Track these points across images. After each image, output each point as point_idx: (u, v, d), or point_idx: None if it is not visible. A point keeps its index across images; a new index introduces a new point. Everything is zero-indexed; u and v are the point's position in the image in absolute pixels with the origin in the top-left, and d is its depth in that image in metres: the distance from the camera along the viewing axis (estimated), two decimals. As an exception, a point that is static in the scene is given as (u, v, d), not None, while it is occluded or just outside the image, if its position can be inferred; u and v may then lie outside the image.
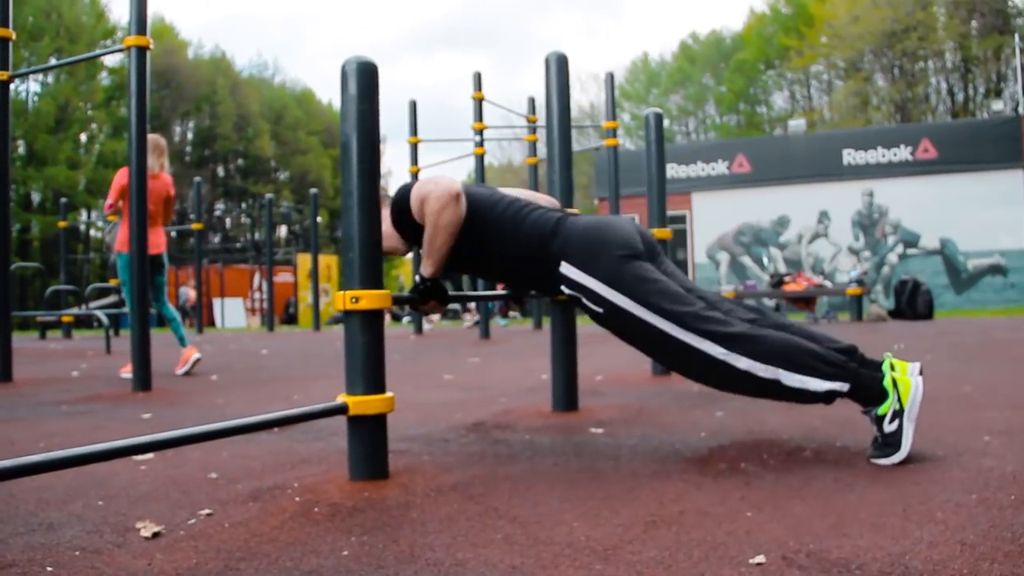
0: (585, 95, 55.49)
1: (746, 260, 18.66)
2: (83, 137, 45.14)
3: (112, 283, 14.19)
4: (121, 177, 6.70)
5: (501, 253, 2.86)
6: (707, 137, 49.63)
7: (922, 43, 36.12)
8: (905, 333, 8.85)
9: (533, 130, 11.57)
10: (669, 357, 2.67)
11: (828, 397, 2.48)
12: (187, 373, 6.51)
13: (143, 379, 5.25)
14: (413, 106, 11.13)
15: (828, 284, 11.58)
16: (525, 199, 3.02)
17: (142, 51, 5.72)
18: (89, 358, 8.85)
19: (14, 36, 6.55)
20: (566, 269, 2.74)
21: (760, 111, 46.69)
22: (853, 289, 10.91)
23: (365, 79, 2.45)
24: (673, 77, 49.25)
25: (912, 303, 11.74)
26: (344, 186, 2.43)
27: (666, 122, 50.71)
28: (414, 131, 11.12)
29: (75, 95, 42.17)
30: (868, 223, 18.04)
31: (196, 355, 6.63)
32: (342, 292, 2.42)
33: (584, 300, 2.74)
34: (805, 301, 11.60)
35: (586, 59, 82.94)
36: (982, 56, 36.42)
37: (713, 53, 47.64)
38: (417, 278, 2.87)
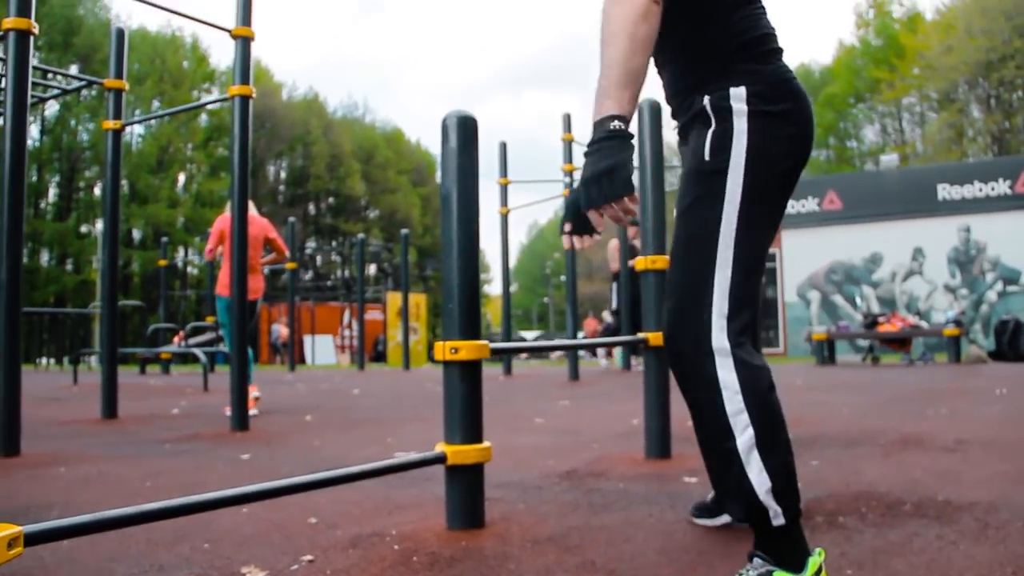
0: (670, 132, 55.27)
1: (837, 299, 18.30)
2: (182, 177, 46.76)
3: (208, 320, 14.65)
4: (219, 223, 6.96)
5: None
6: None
7: (1020, 71, 35.17)
8: (1007, 376, 8.56)
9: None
10: (677, 301, 1.85)
11: (757, 510, 1.73)
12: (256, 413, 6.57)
13: (241, 419, 5.41)
14: (503, 148, 11.27)
15: (924, 324, 11.26)
16: None
17: (245, 100, 5.92)
18: (188, 395, 9.10)
19: (127, 87, 6.85)
20: (735, 98, 1.82)
21: (851, 145, 45.89)
22: (950, 330, 10.60)
23: (465, 132, 2.51)
24: (762, 112, 48.77)
25: (1014, 344, 11.35)
26: (444, 236, 2.49)
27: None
28: (504, 172, 11.24)
29: (176, 137, 43.71)
30: (965, 260, 17.54)
31: (255, 393, 6.68)
32: (442, 343, 2.46)
33: (706, 135, 1.84)
34: (900, 342, 11.31)
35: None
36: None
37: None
38: (614, 124, 1.66)
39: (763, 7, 2.00)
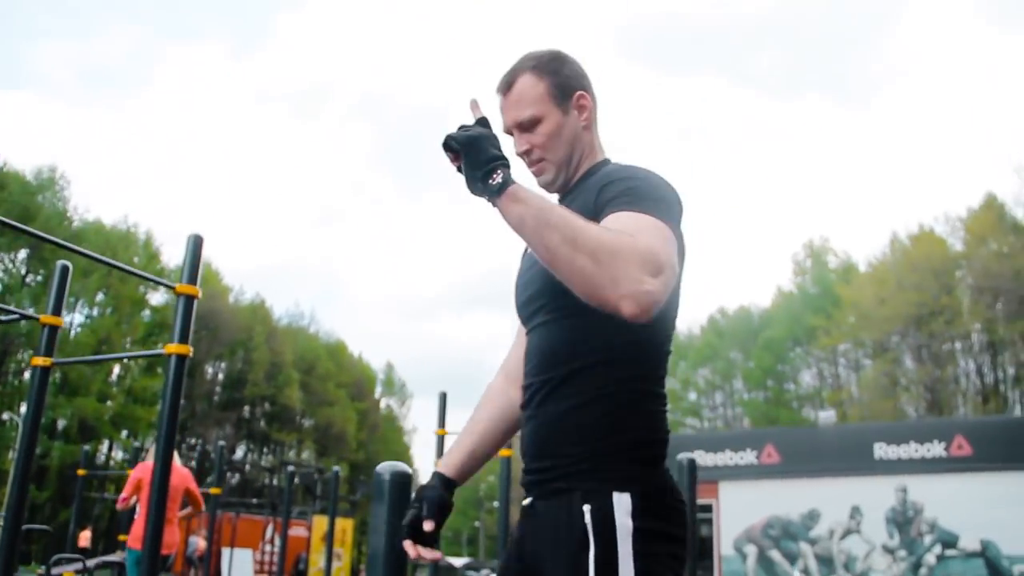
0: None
1: (775, 554, 17.98)
2: (116, 369, 45.97)
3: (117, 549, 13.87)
4: (138, 472, 6.67)
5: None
6: (735, 412, 49.54)
7: (949, 326, 36.59)
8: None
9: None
10: None
11: None
12: None
13: None
14: (443, 398, 11.03)
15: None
16: None
17: (181, 360, 5.74)
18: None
19: (63, 323, 6.65)
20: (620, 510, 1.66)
21: (788, 387, 46.77)
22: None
23: (397, 491, 2.34)
24: (701, 351, 49.86)
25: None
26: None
27: (692, 396, 51.24)
28: (442, 423, 10.98)
29: (116, 331, 43.24)
30: (903, 520, 17.45)
31: None
32: None
33: (586, 560, 1.63)
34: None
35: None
36: (1009, 339, 36.69)
37: (741, 329, 48.44)
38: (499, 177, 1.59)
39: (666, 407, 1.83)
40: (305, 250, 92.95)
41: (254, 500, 29.69)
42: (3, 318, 7.85)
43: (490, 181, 1.56)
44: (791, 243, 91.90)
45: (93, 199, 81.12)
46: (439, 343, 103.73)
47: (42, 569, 12.46)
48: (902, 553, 17.21)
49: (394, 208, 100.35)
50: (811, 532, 17.93)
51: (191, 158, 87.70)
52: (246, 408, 52.53)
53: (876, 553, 17.44)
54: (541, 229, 1.52)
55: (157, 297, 49.12)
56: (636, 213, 1.61)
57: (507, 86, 1.89)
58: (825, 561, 17.56)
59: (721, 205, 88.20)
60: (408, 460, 65.17)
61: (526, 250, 1.84)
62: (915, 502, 17.54)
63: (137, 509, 6.75)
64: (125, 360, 46.60)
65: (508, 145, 1.80)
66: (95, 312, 44.07)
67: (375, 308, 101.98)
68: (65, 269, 6.73)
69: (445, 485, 1.93)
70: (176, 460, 6.47)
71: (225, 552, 27.16)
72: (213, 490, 15.86)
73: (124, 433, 45.84)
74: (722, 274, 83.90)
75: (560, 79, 1.88)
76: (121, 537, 14.33)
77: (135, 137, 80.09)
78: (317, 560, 22.70)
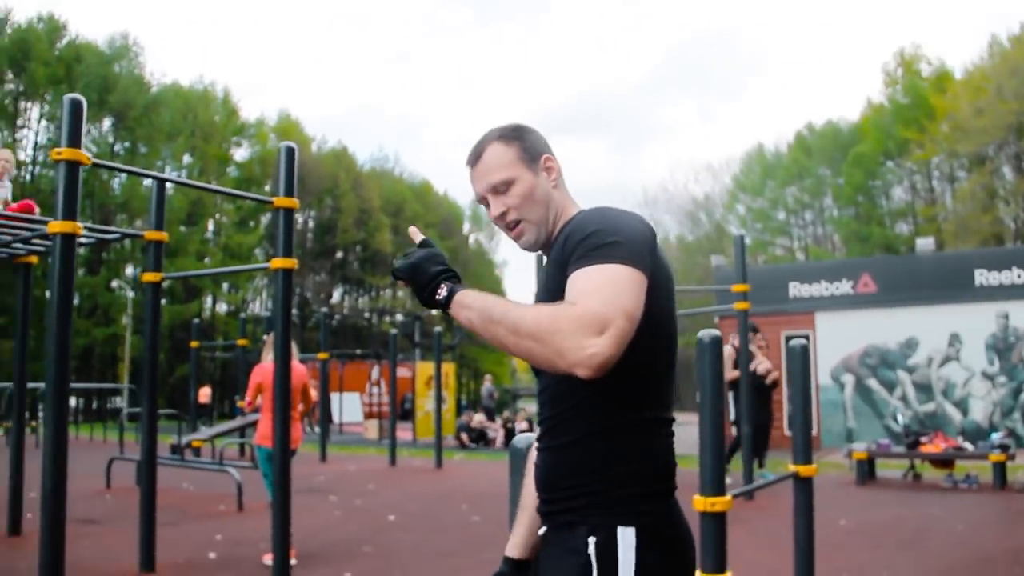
0: (700, 186, 55.20)
1: (872, 383, 18.05)
2: (211, 225, 47.32)
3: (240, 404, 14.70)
4: (257, 375, 6.99)
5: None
6: (825, 230, 48.73)
7: (1052, 136, 35.01)
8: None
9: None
10: None
11: None
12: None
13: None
14: (539, 258, 11.21)
15: (968, 447, 11.02)
16: None
17: (288, 273, 5.90)
18: (222, 518, 9.06)
19: (167, 238, 6.87)
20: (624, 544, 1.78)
21: (880, 203, 45.65)
22: (996, 455, 10.38)
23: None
24: (789, 169, 48.73)
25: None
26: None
27: (781, 215, 50.47)
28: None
29: (206, 192, 44.14)
30: (1003, 347, 17.25)
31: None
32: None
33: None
34: (944, 463, 11.10)
35: (699, 146, 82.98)
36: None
37: (830, 144, 47.02)
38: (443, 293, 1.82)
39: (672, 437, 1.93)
40: (383, 92, 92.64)
41: (358, 351, 30.73)
42: (108, 237, 8.14)
43: (436, 297, 1.82)
44: (881, 51, 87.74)
45: (168, 62, 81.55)
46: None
47: (174, 438, 13.25)
48: (1002, 379, 17.11)
49: (469, 40, 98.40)
50: (909, 360, 17.88)
51: (260, 7, 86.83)
52: (339, 254, 53.75)
53: (975, 380, 17.36)
54: (487, 326, 1.72)
55: (241, 153, 49.85)
56: (590, 267, 1.71)
57: (477, 156, 2.01)
58: (923, 388, 17.57)
59: (806, 15, 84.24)
60: (501, 293, 66.34)
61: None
62: (1016, 328, 17.27)
63: (260, 407, 7.11)
64: (220, 218, 47.80)
65: (490, 206, 2.03)
66: (183, 174, 44.91)
67: (457, 146, 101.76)
68: (161, 187, 6.90)
69: (517, 569, 2.05)
70: (294, 353, 6.74)
71: (334, 397, 28.51)
72: (320, 355, 16.64)
73: (225, 287, 47.58)
74: (808, 88, 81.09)
75: (527, 144, 2.01)
76: (240, 403, 15.24)
77: (202, -12, 79.43)
78: (423, 404, 23.66)
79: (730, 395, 11.05)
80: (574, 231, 1.83)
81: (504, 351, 1.76)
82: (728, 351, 10.93)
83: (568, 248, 1.80)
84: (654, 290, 1.76)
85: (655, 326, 1.80)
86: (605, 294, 1.65)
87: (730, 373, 10.78)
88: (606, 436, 1.81)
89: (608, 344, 1.59)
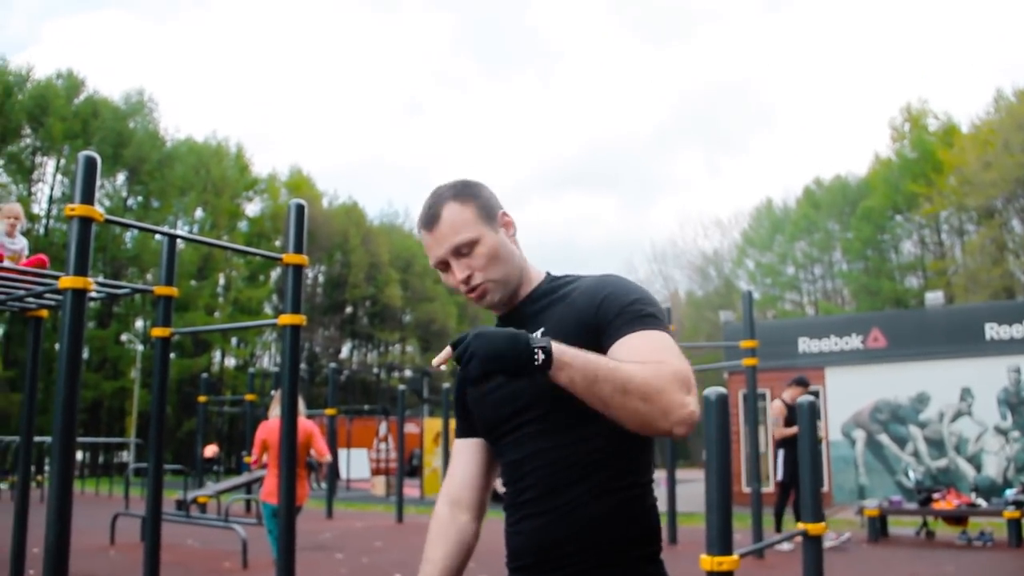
0: (709, 241, 55.29)
1: (883, 438, 17.91)
2: (221, 279, 47.54)
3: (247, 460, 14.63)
4: (262, 432, 7.01)
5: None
6: (834, 284, 48.72)
7: (1060, 187, 35.10)
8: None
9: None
10: None
11: None
12: None
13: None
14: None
15: (982, 503, 10.90)
16: None
17: (296, 329, 5.92)
18: (227, 574, 8.98)
19: (177, 294, 6.90)
20: None
21: (889, 257, 45.65)
22: (1010, 512, 10.26)
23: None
24: (798, 224, 48.83)
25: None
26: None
27: (791, 270, 50.50)
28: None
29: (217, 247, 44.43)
30: (1016, 401, 17.13)
31: None
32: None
33: None
34: (957, 519, 10.97)
35: (708, 200, 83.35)
36: None
37: (838, 199, 47.20)
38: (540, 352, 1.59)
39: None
40: (393, 146, 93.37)
41: (366, 406, 30.71)
42: (119, 292, 8.19)
43: (534, 362, 1.58)
44: (888, 106, 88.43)
45: (182, 117, 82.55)
46: (532, 226, 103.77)
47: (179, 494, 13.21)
48: (1015, 434, 16.96)
49: (479, 92, 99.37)
50: (920, 415, 17.75)
51: (273, 63, 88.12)
52: (348, 309, 53.90)
53: (988, 435, 17.21)
54: (591, 385, 1.59)
55: (252, 208, 50.26)
56: (646, 332, 1.72)
57: (434, 219, 1.90)
58: (935, 444, 17.42)
59: (813, 70, 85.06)
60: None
61: (482, 377, 1.64)
62: (1029, 381, 17.19)
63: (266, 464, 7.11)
64: (231, 272, 48.03)
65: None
66: (195, 229, 45.27)
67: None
68: (172, 243, 6.94)
69: None
70: (300, 408, 6.72)
71: (342, 452, 28.41)
72: (328, 411, 16.67)
73: (234, 342, 47.65)
74: (816, 142, 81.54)
75: (483, 201, 1.94)
76: (247, 459, 15.15)
77: (215, 49, 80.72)
78: (431, 460, 23.60)
79: (779, 453, 10.77)
80: (609, 293, 1.80)
81: (602, 410, 1.62)
82: (778, 406, 10.75)
83: (610, 311, 1.77)
84: None
85: None
86: (677, 355, 1.67)
87: (781, 430, 10.53)
88: (615, 498, 1.79)
89: (696, 402, 1.61)
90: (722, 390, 3.33)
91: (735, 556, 3.22)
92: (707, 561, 3.26)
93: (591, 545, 1.78)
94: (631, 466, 1.82)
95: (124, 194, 44.40)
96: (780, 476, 10.65)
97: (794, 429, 10.07)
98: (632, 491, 1.82)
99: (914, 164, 42.73)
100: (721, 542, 3.21)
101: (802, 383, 10.73)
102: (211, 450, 24.60)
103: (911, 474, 16.24)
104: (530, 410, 1.84)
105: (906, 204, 43.02)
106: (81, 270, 4.83)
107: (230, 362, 48.96)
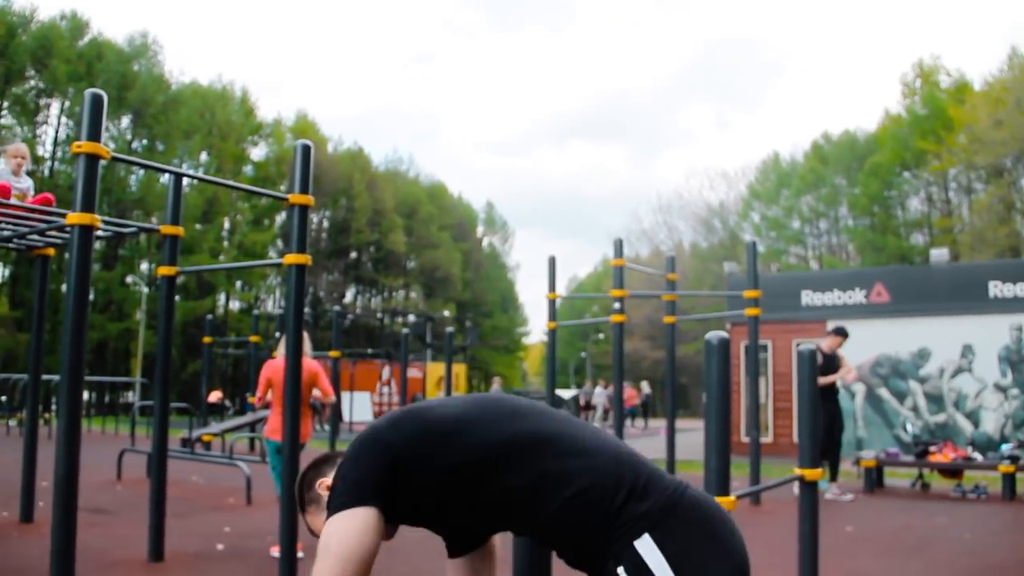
0: (714, 194, 55.05)
1: (883, 392, 18.01)
2: (226, 223, 47.47)
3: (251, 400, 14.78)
4: (267, 371, 7.06)
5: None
6: (839, 240, 48.59)
7: (1071, 147, 34.83)
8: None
9: (673, 287, 11.42)
10: None
11: None
12: None
13: (290, 568, 5.50)
14: (552, 263, 11.21)
15: (977, 457, 11.01)
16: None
17: (301, 269, 5.95)
18: (231, 511, 9.11)
19: (183, 233, 6.94)
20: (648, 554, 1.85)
21: (896, 214, 45.48)
22: (1005, 466, 10.36)
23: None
24: (805, 178, 48.59)
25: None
26: None
27: (796, 223, 50.36)
28: (552, 287, 11.19)
29: (222, 190, 44.24)
30: (1016, 359, 17.19)
31: None
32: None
33: None
34: (952, 472, 11.08)
35: (715, 153, 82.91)
36: None
37: (846, 154, 46.89)
38: None
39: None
40: (400, 94, 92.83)
41: (369, 350, 30.82)
42: (125, 230, 8.21)
43: None
44: (899, 62, 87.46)
45: (187, 60, 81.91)
46: (538, 177, 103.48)
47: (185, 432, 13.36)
48: (1015, 391, 17.04)
49: (489, 43, 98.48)
50: (921, 371, 17.83)
51: (281, 7, 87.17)
52: (352, 254, 53.92)
53: (987, 391, 17.30)
54: None
55: (257, 152, 50.06)
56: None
57: None
58: (935, 399, 17.52)
59: (825, 24, 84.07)
60: (513, 296, 66.29)
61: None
62: (1030, 340, 17.23)
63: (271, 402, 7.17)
64: (236, 216, 47.97)
65: None
66: (200, 172, 45.11)
67: (472, 147, 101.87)
68: (178, 181, 6.95)
69: None
70: (307, 349, 6.76)
71: (345, 395, 28.60)
72: (332, 353, 16.75)
73: (239, 285, 47.76)
74: (825, 97, 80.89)
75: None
76: (251, 399, 15.31)
77: (222, -13, 79.76)
78: (433, 404, 23.78)
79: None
80: None
81: None
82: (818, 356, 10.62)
83: None
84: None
85: (449, 453, 2.04)
86: (331, 551, 1.99)
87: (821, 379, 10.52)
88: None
89: None
90: (724, 334, 3.36)
91: (732, 497, 3.27)
92: (704, 502, 3.32)
93: (599, 526, 1.91)
94: (529, 500, 1.97)
95: (129, 137, 44.20)
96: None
97: (831, 378, 10.22)
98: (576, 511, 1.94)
99: (924, 121, 42.37)
100: (719, 483, 3.26)
101: (841, 333, 10.80)
102: (215, 396, 24.90)
103: (909, 428, 16.36)
104: None
105: (914, 161, 42.75)
106: (88, 207, 4.86)
107: (235, 305, 49.15)
